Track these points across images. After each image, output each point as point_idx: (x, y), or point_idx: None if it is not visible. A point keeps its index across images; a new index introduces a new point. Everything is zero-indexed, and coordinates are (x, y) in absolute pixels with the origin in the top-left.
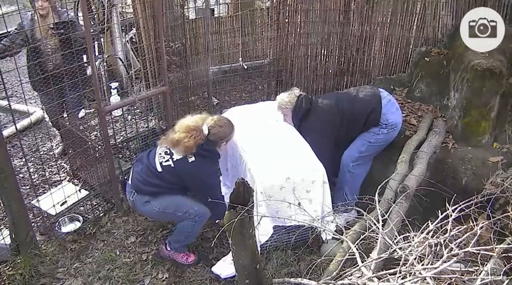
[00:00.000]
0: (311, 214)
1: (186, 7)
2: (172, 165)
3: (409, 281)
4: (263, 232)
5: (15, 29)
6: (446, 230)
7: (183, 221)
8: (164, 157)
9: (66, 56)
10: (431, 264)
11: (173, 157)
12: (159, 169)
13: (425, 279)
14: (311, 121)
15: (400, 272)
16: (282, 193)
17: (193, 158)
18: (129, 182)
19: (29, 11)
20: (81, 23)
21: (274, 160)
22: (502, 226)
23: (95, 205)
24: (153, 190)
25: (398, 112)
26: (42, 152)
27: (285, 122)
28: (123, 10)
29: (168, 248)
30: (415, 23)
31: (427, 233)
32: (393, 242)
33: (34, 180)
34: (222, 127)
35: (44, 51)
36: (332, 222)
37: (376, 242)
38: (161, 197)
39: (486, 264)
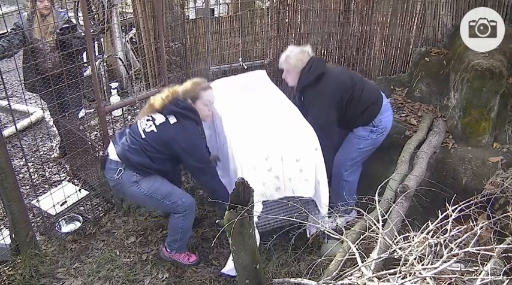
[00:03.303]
0: (303, 185)
1: (186, 7)
2: (156, 130)
3: (409, 281)
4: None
5: (12, 29)
6: (446, 230)
7: (172, 220)
8: (147, 124)
9: (63, 55)
10: (431, 264)
11: (155, 122)
12: (143, 135)
13: (425, 279)
14: (321, 88)
15: (400, 272)
16: (268, 164)
17: (175, 120)
18: (112, 158)
19: (26, 12)
20: (81, 23)
21: (258, 128)
22: (502, 226)
23: (95, 205)
24: (140, 160)
25: (391, 117)
26: (42, 152)
27: (286, 79)
28: (123, 10)
29: (168, 250)
30: (415, 23)
31: (427, 233)
32: (393, 242)
33: (34, 180)
34: (193, 84)
35: (42, 50)
36: (332, 222)
37: (376, 242)
38: (150, 178)
39: (486, 264)
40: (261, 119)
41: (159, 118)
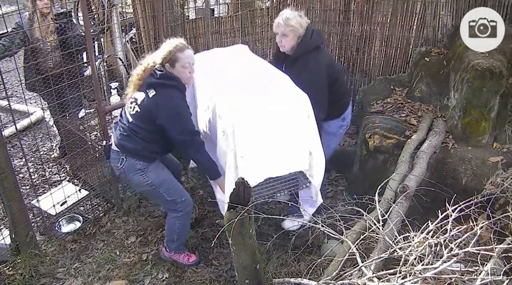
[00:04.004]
0: (299, 157)
1: (186, 7)
2: (139, 110)
3: (409, 281)
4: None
5: (14, 28)
6: (446, 230)
7: (169, 219)
8: (131, 106)
9: (64, 55)
10: (431, 264)
11: (138, 101)
12: (130, 119)
13: (426, 279)
14: (318, 58)
15: (400, 272)
16: (262, 131)
17: (153, 92)
18: (114, 147)
19: (27, 11)
20: (81, 23)
21: (250, 95)
22: (502, 226)
23: (95, 205)
24: (134, 146)
25: (351, 114)
26: (42, 152)
27: (281, 43)
28: (123, 10)
29: (167, 250)
30: (415, 23)
31: (427, 233)
32: (393, 242)
33: (34, 180)
34: (168, 47)
35: (43, 50)
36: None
37: (376, 242)
38: (157, 169)
39: (486, 264)
40: (252, 88)
41: (140, 96)
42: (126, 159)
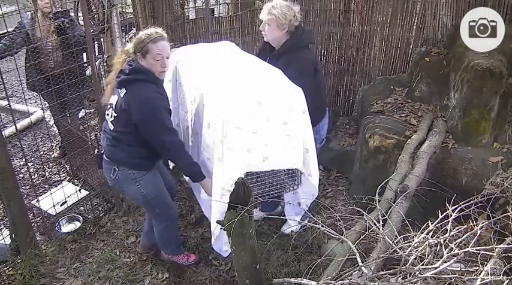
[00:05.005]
0: (291, 152)
1: (186, 7)
2: (115, 114)
3: (409, 281)
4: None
5: (16, 27)
6: (446, 230)
7: (156, 229)
8: (109, 113)
9: (65, 55)
10: (431, 264)
11: (113, 106)
12: (111, 126)
13: (426, 279)
14: (308, 57)
15: (400, 272)
16: (253, 123)
17: (124, 91)
18: (105, 157)
19: (29, 11)
20: (81, 23)
21: (240, 85)
22: (502, 226)
23: (95, 205)
24: (122, 154)
25: (326, 127)
26: (42, 152)
27: (264, 31)
28: (123, 10)
29: (166, 253)
30: (415, 23)
31: (427, 233)
32: (393, 242)
33: (34, 180)
34: (144, 37)
35: (44, 50)
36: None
37: (376, 242)
38: (151, 179)
39: (486, 264)
40: (242, 78)
41: (114, 100)
42: (119, 169)
